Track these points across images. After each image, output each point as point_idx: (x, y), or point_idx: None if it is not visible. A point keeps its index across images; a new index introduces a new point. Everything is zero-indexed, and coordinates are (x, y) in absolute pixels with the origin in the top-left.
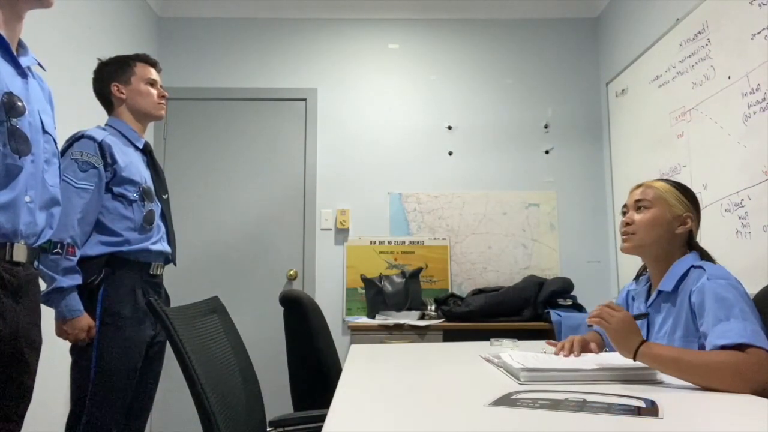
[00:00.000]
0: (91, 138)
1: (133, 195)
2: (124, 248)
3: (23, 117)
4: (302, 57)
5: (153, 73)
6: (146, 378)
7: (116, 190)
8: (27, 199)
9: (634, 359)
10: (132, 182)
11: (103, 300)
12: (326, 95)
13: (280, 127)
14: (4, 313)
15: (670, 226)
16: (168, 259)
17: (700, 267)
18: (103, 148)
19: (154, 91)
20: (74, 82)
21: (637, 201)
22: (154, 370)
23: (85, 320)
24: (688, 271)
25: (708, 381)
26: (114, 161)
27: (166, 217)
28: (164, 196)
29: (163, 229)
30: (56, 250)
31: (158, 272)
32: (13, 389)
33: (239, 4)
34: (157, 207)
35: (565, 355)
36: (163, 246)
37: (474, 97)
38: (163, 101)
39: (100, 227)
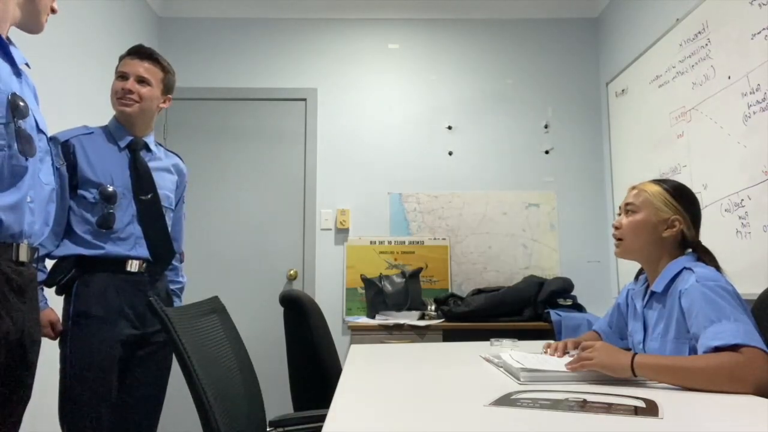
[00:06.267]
0: (54, 139)
1: (92, 198)
2: (89, 252)
3: (27, 118)
4: (302, 57)
5: (123, 65)
6: (140, 379)
7: (79, 191)
8: (28, 199)
9: (634, 375)
10: (93, 183)
11: (75, 299)
12: (326, 95)
13: (280, 127)
14: (12, 313)
15: (656, 231)
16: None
17: (690, 269)
18: (67, 148)
19: (117, 85)
20: (74, 81)
21: (627, 204)
22: (150, 371)
23: (46, 315)
24: (680, 272)
25: (707, 385)
26: (75, 162)
27: (143, 219)
28: (144, 197)
29: (136, 233)
30: None
31: (136, 270)
32: (14, 387)
33: (239, 4)
34: (129, 209)
35: (558, 355)
36: (136, 251)
37: (474, 97)
38: (125, 96)
39: (69, 228)
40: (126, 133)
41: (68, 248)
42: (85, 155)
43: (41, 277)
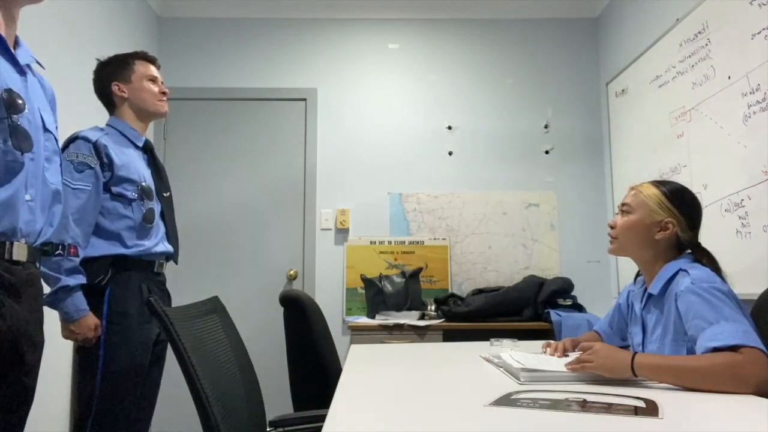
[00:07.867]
0: (85, 138)
1: (131, 194)
2: (127, 251)
3: (23, 114)
4: (302, 57)
5: (153, 70)
6: (150, 378)
7: (114, 189)
8: (28, 197)
9: (635, 375)
10: (130, 181)
11: (110, 300)
12: (326, 95)
13: (280, 127)
14: (3, 312)
15: (649, 232)
16: (169, 256)
17: (686, 270)
18: (98, 148)
19: (155, 88)
20: (74, 82)
21: (623, 205)
22: (158, 369)
23: (92, 319)
24: (676, 274)
25: (707, 385)
26: (110, 161)
27: (165, 215)
28: (165, 194)
29: (162, 228)
30: (58, 252)
31: (161, 270)
32: (13, 389)
33: (239, 4)
34: (157, 205)
35: (558, 355)
36: (165, 246)
37: (474, 97)
38: (164, 98)
39: (101, 228)
40: (139, 133)
41: (104, 248)
42: (117, 154)
43: (82, 280)
